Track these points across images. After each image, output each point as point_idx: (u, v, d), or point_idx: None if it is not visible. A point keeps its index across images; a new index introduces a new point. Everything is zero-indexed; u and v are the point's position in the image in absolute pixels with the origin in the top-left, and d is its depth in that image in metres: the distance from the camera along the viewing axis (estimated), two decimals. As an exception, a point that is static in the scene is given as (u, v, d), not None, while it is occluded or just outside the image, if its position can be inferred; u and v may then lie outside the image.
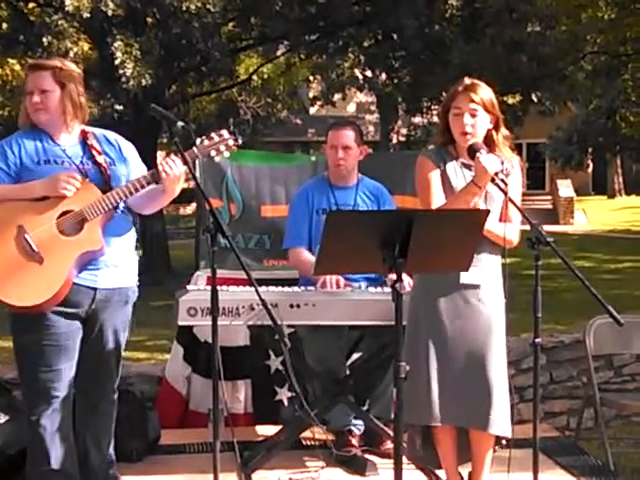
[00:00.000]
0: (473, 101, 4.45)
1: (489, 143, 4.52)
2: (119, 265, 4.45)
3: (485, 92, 4.50)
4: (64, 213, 4.28)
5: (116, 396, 4.69)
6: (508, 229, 4.36)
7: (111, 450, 4.73)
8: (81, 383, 4.52)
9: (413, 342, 4.48)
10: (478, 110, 4.46)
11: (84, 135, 4.50)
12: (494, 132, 4.55)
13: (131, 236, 4.56)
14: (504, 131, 4.60)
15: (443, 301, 4.49)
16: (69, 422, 4.49)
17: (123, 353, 4.69)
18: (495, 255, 4.54)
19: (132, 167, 4.57)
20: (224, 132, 4.58)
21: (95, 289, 4.37)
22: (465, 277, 4.41)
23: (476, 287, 4.48)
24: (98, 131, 4.60)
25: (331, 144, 5.56)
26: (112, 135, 4.64)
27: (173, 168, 4.35)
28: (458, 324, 4.48)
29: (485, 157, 4.28)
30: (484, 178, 4.26)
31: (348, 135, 5.56)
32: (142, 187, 4.36)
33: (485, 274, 4.49)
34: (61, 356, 4.36)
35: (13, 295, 4.20)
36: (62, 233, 4.26)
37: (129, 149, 4.63)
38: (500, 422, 4.46)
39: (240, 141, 4.63)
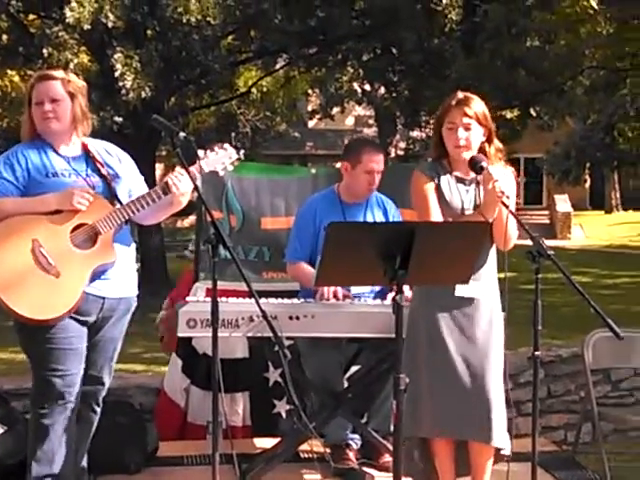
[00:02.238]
0: (467, 115, 4.47)
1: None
2: (124, 275, 4.49)
3: (478, 105, 4.52)
4: (77, 227, 4.31)
5: (99, 408, 4.69)
6: (514, 229, 4.41)
7: (84, 463, 4.72)
8: None
9: (411, 355, 4.47)
10: (472, 124, 4.48)
11: (85, 147, 4.53)
12: (487, 145, 4.57)
13: (133, 246, 4.60)
14: (497, 143, 4.61)
15: (442, 314, 4.49)
16: (74, 428, 4.50)
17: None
18: (492, 268, 4.56)
19: (133, 179, 4.62)
20: (227, 146, 4.62)
21: (104, 298, 4.41)
22: (461, 290, 4.42)
23: (473, 300, 4.49)
24: (98, 143, 4.63)
25: (368, 169, 5.40)
26: (112, 147, 4.67)
27: (182, 181, 4.38)
28: (457, 337, 4.48)
29: (492, 170, 4.31)
30: (494, 194, 4.27)
31: (382, 160, 5.50)
32: (153, 201, 4.40)
33: (482, 287, 4.50)
34: (74, 360, 4.39)
35: (29, 308, 4.21)
36: (76, 247, 4.29)
37: (128, 161, 4.66)
38: (500, 434, 4.47)
39: (243, 156, 4.67)
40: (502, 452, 4.54)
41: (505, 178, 4.41)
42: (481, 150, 4.53)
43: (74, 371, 4.40)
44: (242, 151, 4.71)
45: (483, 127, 4.52)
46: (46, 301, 4.23)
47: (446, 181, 4.55)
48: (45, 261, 4.23)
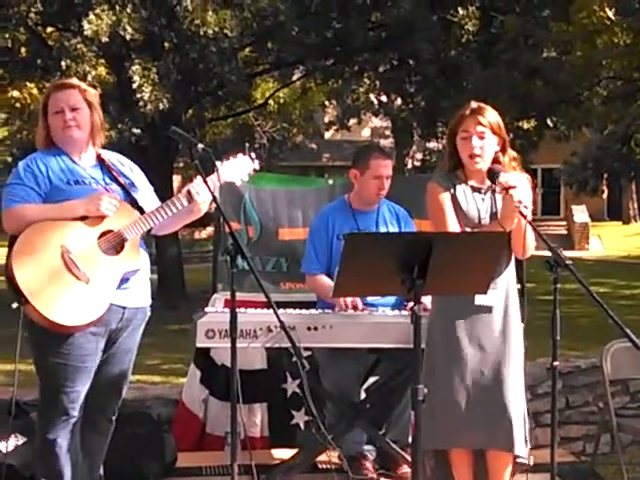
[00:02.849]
0: (480, 124, 4.48)
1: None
2: (142, 284, 4.50)
3: (492, 115, 4.53)
4: (104, 233, 4.31)
5: (115, 417, 4.68)
6: (532, 238, 4.40)
7: (101, 472, 4.72)
8: (86, 399, 4.52)
9: (430, 365, 4.48)
10: (486, 133, 4.49)
11: (100, 157, 4.54)
12: (501, 154, 4.58)
13: (147, 255, 4.59)
14: (511, 153, 4.62)
15: (461, 324, 4.49)
16: (78, 442, 4.51)
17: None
18: (511, 277, 4.55)
19: (146, 189, 4.64)
20: (242, 156, 4.64)
21: (125, 308, 4.40)
22: (480, 299, 4.41)
23: (491, 309, 4.49)
24: (111, 154, 4.64)
25: (376, 174, 5.45)
26: (123, 158, 4.69)
27: (204, 189, 4.39)
28: (473, 346, 4.48)
29: (508, 177, 4.31)
30: (511, 204, 4.27)
31: (391, 165, 5.56)
32: (176, 208, 4.41)
33: (502, 297, 4.49)
34: (83, 377, 4.38)
35: (60, 314, 4.17)
36: (104, 253, 4.29)
37: (139, 172, 4.69)
38: (521, 442, 4.46)
39: (258, 166, 4.70)
40: (520, 460, 4.52)
41: (521, 185, 4.42)
42: (495, 160, 4.55)
43: (81, 388, 4.39)
44: (257, 161, 4.73)
45: (497, 136, 4.53)
46: (78, 307, 4.20)
47: (462, 191, 4.55)
48: (75, 267, 4.21)
